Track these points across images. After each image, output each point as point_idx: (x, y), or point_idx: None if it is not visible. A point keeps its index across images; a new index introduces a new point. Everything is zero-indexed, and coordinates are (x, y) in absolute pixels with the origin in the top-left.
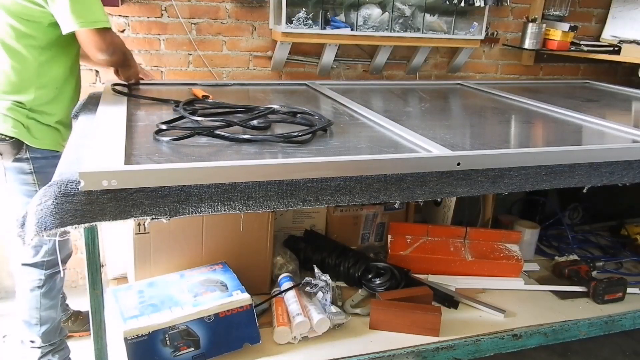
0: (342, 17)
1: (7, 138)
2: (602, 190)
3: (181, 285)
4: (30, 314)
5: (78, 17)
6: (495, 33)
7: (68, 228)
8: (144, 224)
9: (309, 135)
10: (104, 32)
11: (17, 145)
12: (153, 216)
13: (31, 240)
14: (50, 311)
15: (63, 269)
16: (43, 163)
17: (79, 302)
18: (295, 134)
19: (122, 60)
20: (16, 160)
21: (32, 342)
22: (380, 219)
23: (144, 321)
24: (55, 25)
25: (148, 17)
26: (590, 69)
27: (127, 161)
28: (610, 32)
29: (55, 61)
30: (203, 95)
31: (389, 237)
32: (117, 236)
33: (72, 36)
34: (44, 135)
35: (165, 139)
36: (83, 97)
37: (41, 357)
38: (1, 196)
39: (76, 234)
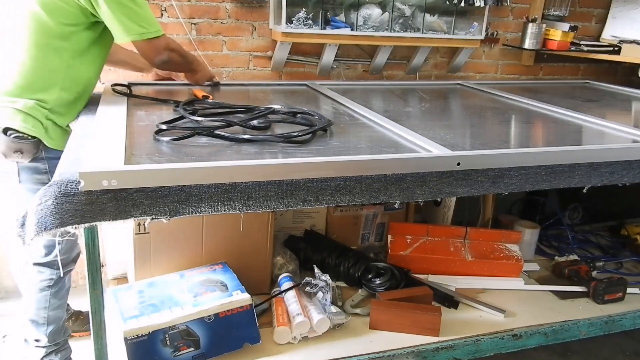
0: (342, 17)
1: (30, 137)
2: (602, 190)
3: (181, 285)
4: (38, 314)
5: (126, 29)
6: (495, 33)
7: (68, 228)
8: (144, 224)
9: (309, 135)
10: (155, 40)
11: (37, 145)
12: (153, 216)
13: (31, 240)
14: (58, 311)
15: (69, 270)
16: (57, 163)
17: (79, 302)
18: (295, 134)
19: (181, 65)
20: (33, 160)
21: (37, 341)
22: (380, 219)
23: (144, 321)
24: (91, 31)
25: None
26: (590, 69)
27: (127, 161)
28: (610, 32)
29: (85, 66)
30: (203, 95)
31: (389, 237)
32: (117, 236)
33: (104, 44)
34: (58, 136)
35: (165, 139)
36: None
37: (44, 356)
38: (3, 195)
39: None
